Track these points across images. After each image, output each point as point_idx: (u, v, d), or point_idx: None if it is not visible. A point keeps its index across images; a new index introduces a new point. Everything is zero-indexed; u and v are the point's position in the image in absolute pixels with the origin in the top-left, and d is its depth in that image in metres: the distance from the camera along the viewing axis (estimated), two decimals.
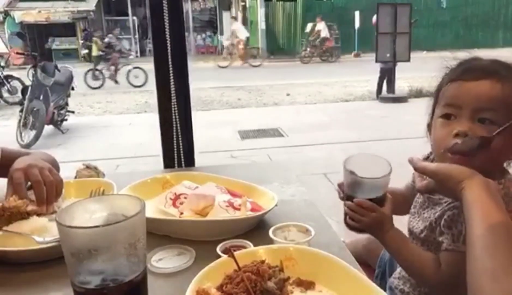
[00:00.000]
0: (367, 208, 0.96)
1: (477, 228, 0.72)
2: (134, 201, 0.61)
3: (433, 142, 0.99)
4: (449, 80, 0.96)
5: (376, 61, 8.39)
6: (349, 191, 0.97)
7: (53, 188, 1.00)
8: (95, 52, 12.14)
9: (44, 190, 0.99)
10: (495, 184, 0.80)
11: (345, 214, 0.99)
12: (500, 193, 0.81)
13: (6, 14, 18.69)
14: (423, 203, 1.03)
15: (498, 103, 0.88)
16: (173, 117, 1.50)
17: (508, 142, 0.89)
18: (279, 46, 18.99)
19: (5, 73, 9.52)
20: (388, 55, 8.14)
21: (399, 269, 1.11)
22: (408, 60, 8.13)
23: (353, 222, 0.97)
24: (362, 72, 10.53)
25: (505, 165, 0.96)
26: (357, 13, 16.61)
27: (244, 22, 19.59)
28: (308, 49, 16.11)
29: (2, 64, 10.23)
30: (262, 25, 18.62)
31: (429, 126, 1.03)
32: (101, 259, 0.56)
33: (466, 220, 0.76)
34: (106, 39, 12.18)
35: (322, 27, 15.76)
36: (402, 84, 8.54)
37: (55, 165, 1.15)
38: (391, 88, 8.44)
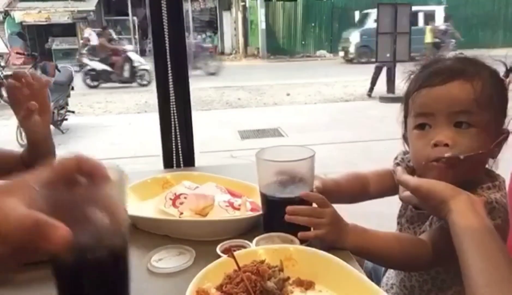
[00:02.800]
0: (319, 203, 0.84)
1: (475, 262, 0.70)
2: None
3: (412, 156, 0.95)
4: (416, 88, 0.91)
5: (376, 61, 8.41)
6: (275, 191, 0.87)
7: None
8: None
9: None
10: (479, 201, 0.78)
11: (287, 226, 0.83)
12: (486, 207, 0.78)
13: (6, 14, 18.68)
14: (411, 217, 0.99)
15: (471, 104, 0.84)
16: (173, 117, 1.50)
17: (489, 139, 0.86)
18: (279, 46, 19.00)
19: (5, 73, 9.51)
20: (388, 55, 8.14)
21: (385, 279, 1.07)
22: (409, 60, 8.13)
23: (308, 231, 0.83)
24: (362, 72, 10.52)
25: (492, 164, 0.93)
26: (357, 13, 16.62)
27: (244, 22, 19.60)
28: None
29: (2, 64, 10.21)
30: (262, 25, 18.62)
31: (404, 137, 0.99)
32: None
33: (456, 245, 0.74)
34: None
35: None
36: (402, 84, 8.54)
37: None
38: (391, 88, 8.47)
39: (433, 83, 0.88)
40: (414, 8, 15.83)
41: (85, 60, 11.04)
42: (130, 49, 11.42)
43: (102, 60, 10.85)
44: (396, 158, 1.07)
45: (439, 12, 15.50)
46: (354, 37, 15.39)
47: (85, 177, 0.49)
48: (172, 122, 1.50)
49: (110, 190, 0.50)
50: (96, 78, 10.94)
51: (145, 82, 10.83)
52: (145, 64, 10.83)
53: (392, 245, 0.88)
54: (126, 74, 10.81)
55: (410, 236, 0.95)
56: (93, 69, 10.84)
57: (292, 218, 0.83)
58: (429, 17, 14.74)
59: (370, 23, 14.21)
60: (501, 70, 0.91)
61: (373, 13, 13.16)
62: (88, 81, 10.94)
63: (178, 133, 1.52)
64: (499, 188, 0.87)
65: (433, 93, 0.88)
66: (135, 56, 11.14)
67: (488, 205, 0.81)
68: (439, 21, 14.59)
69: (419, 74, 0.94)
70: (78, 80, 10.60)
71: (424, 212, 0.94)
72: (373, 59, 9.27)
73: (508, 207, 0.85)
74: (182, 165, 1.54)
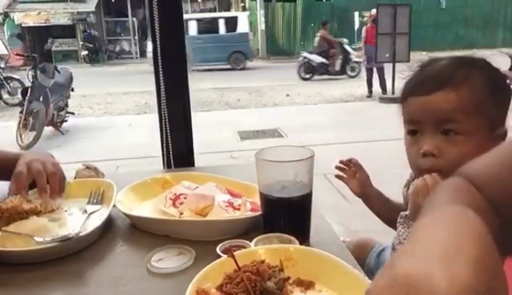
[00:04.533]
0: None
1: None
2: None
3: (408, 161, 0.97)
4: (404, 96, 0.93)
5: (376, 61, 8.42)
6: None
7: (55, 178, 1.00)
8: None
9: (45, 179, 0.99)
10: None
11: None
12: None
13: (6, 15, 18.69)
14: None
15: (457, 113, 0.84)
16: (173, 118, 1.50)
17: (481, 144, 0.84)
18: (278, 47, 19.00)
19: (4, 74, 9.52)
20: (387, 55, 8.16)
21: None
22: (408, 60, 8.14)
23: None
24: (362, 72, 10.54)
25: None
26: (356, 14, 16.63)
27: None
28: None
29: (2, 65, 10.24)
30: (261, 26, 18.63)
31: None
32: None
33: None
34: None
35: None
36: (401, 85, 8.56)
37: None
38: (384, 88, 8.55)
39: (420, 92, 0.89)
40: (214, 14, 15.97)
41: (305, 53, 11.68)
42: (345, 41, 11.78)
43: (320, 53, 11.33)
44: (405, 185, 1.07)
45: (243, 18, 15.50)
46: None
47: None
48: (172, 123, 1.50)
49: None
50: (311, 71, 11.44)
51: (354, 74, 11.29)
52: (358, 57, 11.18)
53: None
54: (338, 67, 11.25)
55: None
56: (309, 62, 11.31)
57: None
58: (232, 24, 14.97)
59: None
60: (506, 63, 0.90)
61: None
62: (302, 73, 11.46)
63: (177, 133, 1.52)
64: None
65: (419, 102, 0.89)
66: (350, 49, 11.53)
67: None
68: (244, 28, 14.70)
69: (410, 81, 0.94)
70: (292, 73, 11.46)
71: None
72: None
73: None
74: (182, 165, 1.54)
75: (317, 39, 11.92)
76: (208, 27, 15.22)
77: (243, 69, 14.71)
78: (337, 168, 1.20)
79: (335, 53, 11.30)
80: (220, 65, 14.50)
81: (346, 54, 11.32)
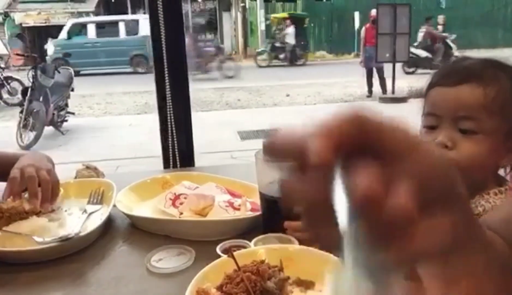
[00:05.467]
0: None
1: None
2: None
3: None
4: (429, 86, 0.89)
5: (376, 61, 8.42)
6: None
7: (48, 186, 1.00)
8: None
9: (37, 185, 0.99)
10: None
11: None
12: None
13: (6, 15, 18.70)
14: None
15: (479, 110, 0.81)
16: (173, 118, 1.50)
17: (496, 147, 0.82)
18: None
19: (5, 74, 9.52)
20: (387, 55, 8.16)
21: None
22: (408, 60, 8.14)
23: None
24: (362, 73, 10.53)
25: (502, 171, 0.89)
26: (356, 14, 16.63)
27: (244, 23, 19.61)
28: None
29: (2, 65, 10.24)
30: (262, 26, 18.63)
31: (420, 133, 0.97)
32: None
33: None
34: None
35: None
36: (401, 85, 8.57)
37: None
38: (383, 87, 8.57)
39: (445, 83, 0.86)
40: (114, 17, 15.65)
41: (411, 48, 11.62)
42: (450, 37, 11.93)
43: (424, 48, 11.47)
44: None
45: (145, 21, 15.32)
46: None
47: None
48: (172, 123, 1.50)
49: None
50: (415, 65, 11.42)
51: None
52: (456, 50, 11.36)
53: None
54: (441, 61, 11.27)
55: None
56: (414, 56, 11.22)
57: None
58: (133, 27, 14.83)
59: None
60: None
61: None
62: (406, 67, 11.36)
63: (177, 133, 1.52)
64: (505, 194, 0.84)
65: (442, 93, 0.86)
66: (452, 44, 11.69)
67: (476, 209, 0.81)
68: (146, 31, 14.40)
69: (436, 72, 0.92)
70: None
71: None
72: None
73: None
74: (182, 165, 1.54)
75: (421, 34, 11.96)
76: (108, 30, 14.98)
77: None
78: None
79: (438, 48, 11.42)
80: (122, 69, 14.13)
81: (448, 49, 11.41)
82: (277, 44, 15.67)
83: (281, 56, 15.64)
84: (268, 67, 15.19)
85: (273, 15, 18.11)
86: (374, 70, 8.75)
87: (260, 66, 15.23)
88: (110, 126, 7.07)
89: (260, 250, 0.77)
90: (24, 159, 1.05)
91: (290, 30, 15.48)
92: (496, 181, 0.88)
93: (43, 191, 0.99)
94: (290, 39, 15.40)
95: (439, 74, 0.89)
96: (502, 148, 0.83)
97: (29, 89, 6.08)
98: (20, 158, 1.06)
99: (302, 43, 16.01)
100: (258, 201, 0.95)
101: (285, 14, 17.12)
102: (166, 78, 1.46)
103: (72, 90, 7.02)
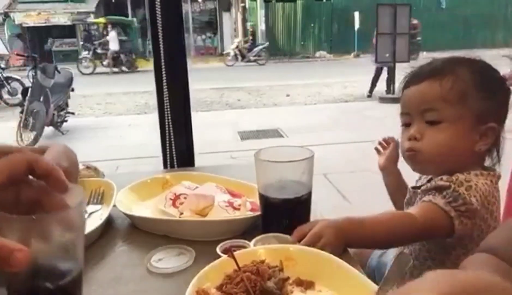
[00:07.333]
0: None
1: None
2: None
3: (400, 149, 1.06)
4: (403, 87, 1.00)
5: (376, 62, 8.41)
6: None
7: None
8: None
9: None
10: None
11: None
12: (448, 195, 0.87)
13: (6, 15, 18.71)
14: (409, 199, 1.05)
15: (439, 101, 0.91)
16: (173, 118, 1.50)
17: (464, 132, 0.91)
18: (278, 47, 19.01)
19: (5, 74, 9.52)
20: (387, 55, 8.15)
21: None
22: (408, 61, 8.13)
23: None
24: (362, 72, 10.54)
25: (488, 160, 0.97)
26: (356, 14, 16.64)
27: (244, 23, 19.62)
28: None
29: (2, 65, 10.25)
30: (262, 26, 18.64)
31: None
32: None
33: None
34: None
35: None
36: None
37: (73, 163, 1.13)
38: (390, 88, 8.51)
39: (412, 83, 0.96)
40: None
41: None
42: None
43: None
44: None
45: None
46: None
47: (39, 178, 0.48)
48: (172, 123, 1.50)
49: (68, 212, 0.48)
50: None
51: None
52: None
53: (378, 229, 0.87)
54: None
55: (396, 215, 0.98)
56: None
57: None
58: None
59: None
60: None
61: None
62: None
63: (177, 134, 1.52)
64: (487, 177, 0.91)
65: (409, 92, 0.97)
66: None
67: (453, 193, 0.86)
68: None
69: (409, 73, 1.01)
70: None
71: (417, 190, 1.01)
72: None
73: (502, 202, 0.92)
74: (181, 165, 1.54)
75: None
76: None
77: None
78: (379, 143, 1.27)
79: None
80: None
81: None
82: (99, 50, 15.29)
83: (105, 62, 15.20)
84: (92, 74, 14.56)
85: (95, 20, 17.67)
86: (384, 70, 8.62)
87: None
88: (110, 127, 7.07)
89: (260, 250, 0.77)
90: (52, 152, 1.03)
91: (112, 35, 15.09)
92: (480, 168, 0.95)
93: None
94: (113, 45, 14.97)
95: (410, 76, 1.00)
96: (474, 132, 0.92)
97: (29, 90, 6.08)
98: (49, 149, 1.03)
99: (128, 48, 15.56)
100: (258, 201, 0.95)
101: (103, 20, 16.61)
102: (166, 78, 1.46)
103: (72, 90, 7.03)
